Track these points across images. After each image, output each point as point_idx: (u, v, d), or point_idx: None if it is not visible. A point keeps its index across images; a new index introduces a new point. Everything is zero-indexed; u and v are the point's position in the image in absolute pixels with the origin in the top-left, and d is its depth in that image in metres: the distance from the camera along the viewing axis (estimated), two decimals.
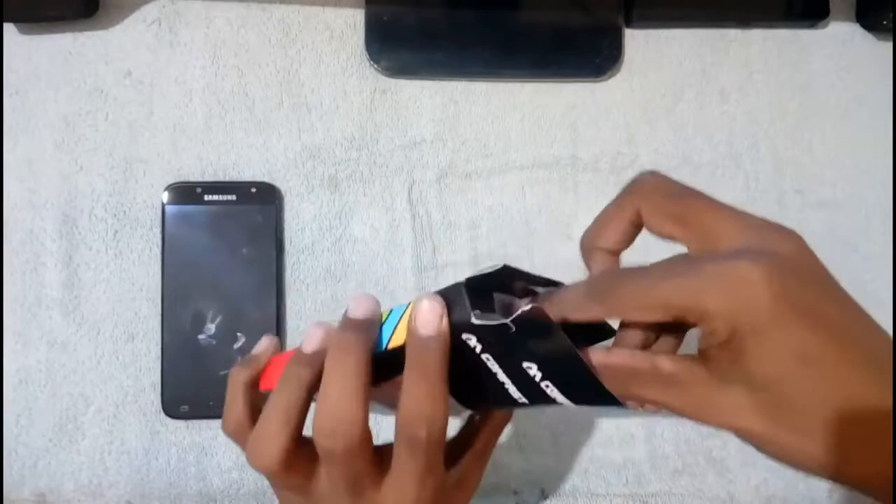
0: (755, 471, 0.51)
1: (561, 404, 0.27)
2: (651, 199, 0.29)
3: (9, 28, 0.52)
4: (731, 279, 0.25)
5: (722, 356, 0.25)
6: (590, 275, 0.31)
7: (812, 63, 0.55)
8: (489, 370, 0.28)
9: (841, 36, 0.55)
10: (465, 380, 0.28)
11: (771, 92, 0.54)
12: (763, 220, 0.27)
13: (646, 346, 0.30)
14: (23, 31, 0.52)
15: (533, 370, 0.27)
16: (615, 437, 0.51)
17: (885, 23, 0.53)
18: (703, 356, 0.27)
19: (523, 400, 0.28)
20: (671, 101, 0.54)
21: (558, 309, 0.28)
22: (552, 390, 0.27)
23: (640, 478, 0.51)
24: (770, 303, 0.24)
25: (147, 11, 0.52)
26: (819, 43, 0.55)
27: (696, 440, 0.51)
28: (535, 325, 0.25)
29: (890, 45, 0.55)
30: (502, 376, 0.28)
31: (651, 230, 0.30)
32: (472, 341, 0.27)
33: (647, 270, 0.27)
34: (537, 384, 0.27)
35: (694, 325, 0.26)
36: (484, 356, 0.27)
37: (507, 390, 0.28)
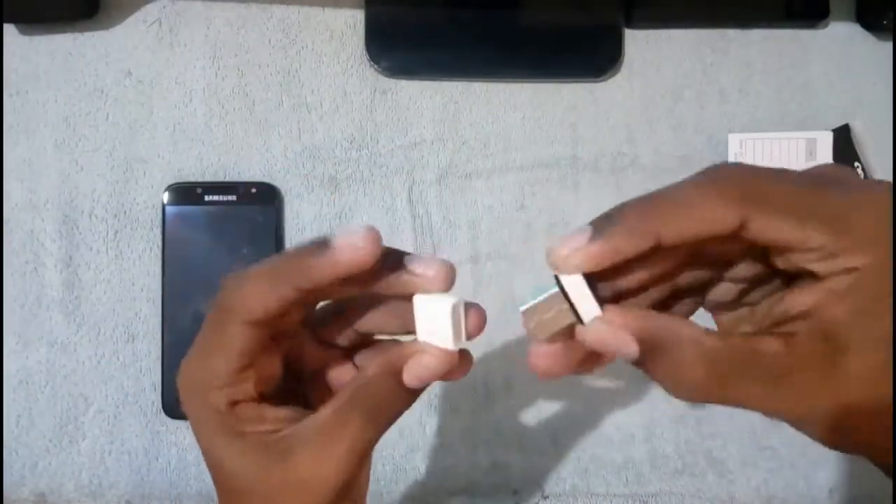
0: (755, 471, 0.51)
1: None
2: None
3: (9, 28, 0.52)
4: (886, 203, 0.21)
5: (839, 314, 0.21)
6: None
7: (812, 63, 0.55)
8: None
9: (841, 36, 0.55)
10: None
11: (771, 92, 0.54)
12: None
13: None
14: (23, 32, 0.52)
15: None
16: (615, 437, 0.51)
17: (885, 23, 0.53)
18: (795, 325, 0.22)
19: None
20: (671, 101, 0.54)
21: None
22: None
23: (640, 478, 0.51)
24: None
25: (147, 11, 0.52)
26: (819, 43, 0.55)
27: (696, 440, 0.51)
28: None
29: (890, 45, 0.55)
30: None
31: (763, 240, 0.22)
32: None
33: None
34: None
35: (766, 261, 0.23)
36: None
37: None
